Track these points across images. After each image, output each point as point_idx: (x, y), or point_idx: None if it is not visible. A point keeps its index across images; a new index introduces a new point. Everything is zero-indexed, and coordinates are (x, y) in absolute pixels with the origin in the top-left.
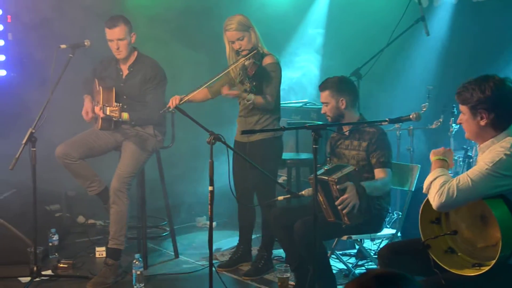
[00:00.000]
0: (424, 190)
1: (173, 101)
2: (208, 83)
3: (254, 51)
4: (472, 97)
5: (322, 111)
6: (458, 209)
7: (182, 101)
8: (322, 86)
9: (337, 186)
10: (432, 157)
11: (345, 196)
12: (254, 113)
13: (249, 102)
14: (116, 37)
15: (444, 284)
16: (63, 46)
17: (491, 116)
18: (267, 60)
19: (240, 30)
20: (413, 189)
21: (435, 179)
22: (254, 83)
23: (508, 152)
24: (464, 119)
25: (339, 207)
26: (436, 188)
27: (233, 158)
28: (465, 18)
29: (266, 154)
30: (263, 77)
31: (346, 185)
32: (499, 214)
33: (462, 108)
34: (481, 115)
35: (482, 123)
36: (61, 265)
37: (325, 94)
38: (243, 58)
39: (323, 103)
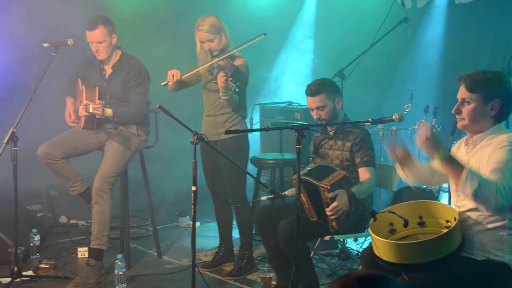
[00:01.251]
0: (470, 198)
1: (174, 76)
2: (186, 75)
3: (231, 52)
4: (490, 86)
5: (316, 116)
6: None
7: (183, 76)
8: (315, 90)
9: (329, 194)
10: (437, 157)
11: (335, 204)
12: (223, 112)
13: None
14: (95, 40)
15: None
16: (45, 44)
17: (503, 108)
18: (237, 62)
19: (211, 33)
20: (395, 190)
21: (481, 183)
22: (237, 83)
23: None
24: (469, 108)
25: (330, 215)
26: (493, 192)
27: (202, 157)
28: (449, 20)
29: (237, 151)
30: (237, 77)
31: (337, 193)
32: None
33: (470, 96)
34: (494, 104)
35: (492, 113)
36: (43, 266)
37: (321, 98)
38: (217, 58)
39: (318, 108)
